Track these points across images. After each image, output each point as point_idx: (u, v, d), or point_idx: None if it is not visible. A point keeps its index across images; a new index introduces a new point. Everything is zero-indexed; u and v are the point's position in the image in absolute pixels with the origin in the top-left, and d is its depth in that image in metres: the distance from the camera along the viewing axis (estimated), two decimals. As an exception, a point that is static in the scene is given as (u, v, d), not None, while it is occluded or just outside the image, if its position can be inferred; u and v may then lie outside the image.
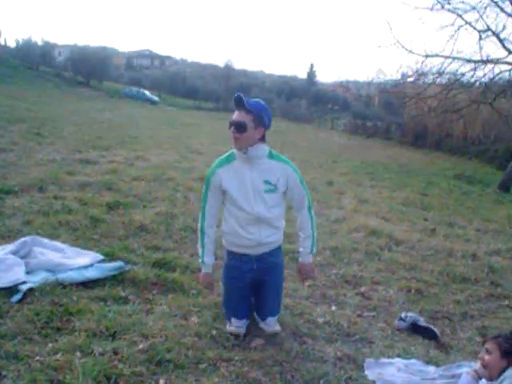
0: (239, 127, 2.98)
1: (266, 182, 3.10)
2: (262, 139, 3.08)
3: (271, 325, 3.30)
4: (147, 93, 47.30)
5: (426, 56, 15.56)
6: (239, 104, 2.98)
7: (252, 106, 2.98)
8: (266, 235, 3.17)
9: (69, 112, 20.17)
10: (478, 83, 15.97)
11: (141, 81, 53.11)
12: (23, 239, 3.98)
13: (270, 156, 3.15)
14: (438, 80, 16.41)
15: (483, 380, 2.71)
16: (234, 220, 3.16)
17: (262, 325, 3.34)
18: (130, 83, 52.02)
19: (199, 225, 3.27)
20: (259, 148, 3.06)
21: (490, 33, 14.40)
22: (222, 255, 3.43)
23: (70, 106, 24.05)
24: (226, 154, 3.19)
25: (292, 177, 3.18)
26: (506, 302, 4.54)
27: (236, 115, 3.01)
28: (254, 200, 3.09)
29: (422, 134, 29.56)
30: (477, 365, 2.80)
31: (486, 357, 2.67)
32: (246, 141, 3.01)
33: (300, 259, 3.39)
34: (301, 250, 3.37)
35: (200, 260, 3.33)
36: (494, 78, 15.55)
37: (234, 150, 3.11)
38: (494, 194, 13.40)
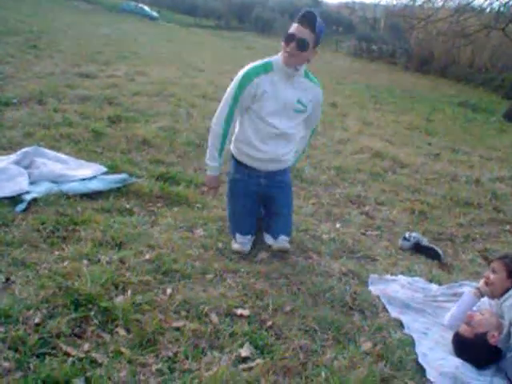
0: (302, 45, 2.81)
1: (299, 102, 3.02)
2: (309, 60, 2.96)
3: (283, 242, 3.20)
4: (146, 8, 45.50)
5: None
6: (310, 22, 2.79)
7: (319, 28, 2.82)
8: (281, 152, 3.10)
9: (65, 25, 19.41)
10: (490, 8, 15.38)
11: (139, -6, 51.01)
12: (25, 149, 3.90)
13: (306, 75, 3.05)
14: (448, 4, 15.79)
15: (485, 298, 2.74)
16: (252, 131, 3.04)
17: (271, 242, 3.24)
18: (128, -3, 49.97)
19: (221, 129, 3.03)
20: (301, 69, 2.98)
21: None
22: (227, 169, 3.34)
23: (66, 20, 23.11)
24: (262, 62, 2.98)
25: (318, 100, 3.15)
26: (508, 227, 4.57)
27: (298, 31, 2.80)
28: (285, 117, 3.01)
29: (428, 59, 28.79)
30: (480, 283, 2.82)
31: (492, 275, 2.68)
32: (301, 60, 2.89)
33: None
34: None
35: (208, 162, 3.18)
36: (508, 2, 14.93)
37: (273, 61, 2.95)
38: (498, 122, 13.20)
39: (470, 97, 18.27)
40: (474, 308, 2.74)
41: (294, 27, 2.82)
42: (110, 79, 8.60)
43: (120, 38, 18.60)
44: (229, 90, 3.01)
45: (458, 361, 2.39)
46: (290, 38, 2.81)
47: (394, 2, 18.58)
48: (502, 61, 24.21)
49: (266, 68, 2.95)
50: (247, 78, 2.93)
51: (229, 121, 3.03)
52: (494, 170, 6.66)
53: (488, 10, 15.72)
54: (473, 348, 2.44)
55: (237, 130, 3.15)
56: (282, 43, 2.86)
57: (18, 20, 17.18)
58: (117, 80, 8.59)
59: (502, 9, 14.86)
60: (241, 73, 2.97)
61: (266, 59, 2.99)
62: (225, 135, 3.07)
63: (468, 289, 3.03)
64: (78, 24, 21.62)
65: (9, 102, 5.82)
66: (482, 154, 7.86)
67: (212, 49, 21.57)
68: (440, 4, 15.86)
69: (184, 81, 9.94)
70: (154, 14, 45.38)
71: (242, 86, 2.95)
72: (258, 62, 2.99)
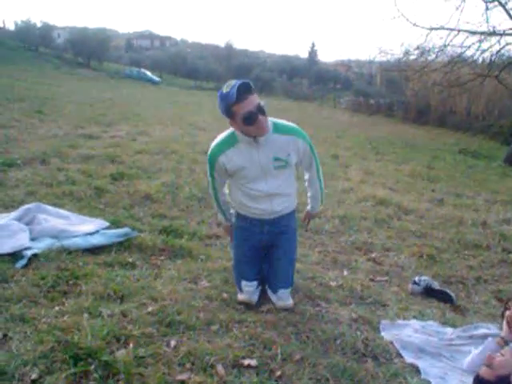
0: (263, 110, 2.68)
1: (276, 159, 2.86)
2: None
3: (283, 298, 3.08)
4: (148, 73, 46.92)
5: (431, 29, 15.23)
6: (249, 90, 2.64)
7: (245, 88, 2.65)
8: (277, 204, 3.00)
9: (69, 91, 19.96)
10: (482, 57, 15.75)
11: (141, 62, 52.67)
12: (27, 206, 3.90)
13: (276, 129, 2.85)
14: (442, 57, 16.15)
15: (510, 345, 2.62)
16: (242, 194, 3.00)
17: (273, 298, 3.12)
18: (131, 64, 51.64)
19: (213, 197, 3.17)
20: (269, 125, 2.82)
21: (496, 3, 14.08)
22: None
23: (71, 86, 23.82)
24: (226, 135, 2.88)
25: (303, 147, 2.95)
26: (520, 268, 4.45)
27: (251, 102, 2.63)
28: (265, 180, 2.89)
29: (425, 110, 29.26)
30: (502, 330, 2.71)
31: None
32: (266, 122, 2.76)
33: (308, 208, 3.37)
34: (309, 206, 3.35)
35: (220, 218, 3.29)
36: (499, 50, 15.28)
37: (235, 132, 2.81)
38: (499, 167, 13.25)
39: (470, 144, 18.43)
40: None
41: (242, 107, 2.63)
42: (113, 139, 8.74)
43: (123, 101, 19.03)
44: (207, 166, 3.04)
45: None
46: (254, 115, 2.65)
47: (389, 57, 18.97)
48: (497, 107, 24.61)
49: (231, 141, 2.86)
50: (213, 159, 2.92)
51: (215, 190, 3.11)
52: (500, 212, 6.60)
53: (481, 60, 16.06)
54: None
55: (230, 192, 3.14)
56: (245, 127, 2.70)
57: (24, 87, 17.68)
58: (120, 140, 8.73)
59: (493, 57, 15.17)
60: (208, 152, 2.95)
61: (229, 131, 2.88)
62: (217, 200, 3.17)
63: (485, 331, 2.93)
64: (81, 90, 22.21)
65: (13, 163, 5.89)
66: (486, 197, 7.81)
67: (213, 109, 21.82)
68: (433, 56, 16.19)
69: (185, 139, 10.07)
70: (156, 78, 46.74)
71: (211, 165, 2.97)
72: (223, 136, 2.90)
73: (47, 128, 9.18)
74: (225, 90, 2.64)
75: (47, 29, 51.05)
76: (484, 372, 2.37)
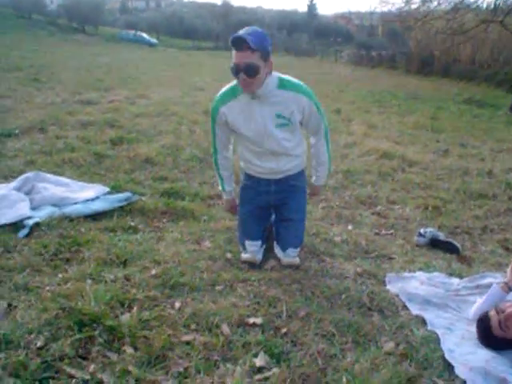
0: (251, 71, 2.56)
1: (279, 116, 2.77)
2: (269, 72, 2.71)
3: (291, 255, 3.04)
4: (145, 35, 46.20)
5: (432, -26, 14.83)
6: (243, 43, 2.51)
7: (256, 43, 2.52)
8: (284, 164, 2.95)
9: (65, 58, 19.65)
10: (486, 2, 15.34)
11: (137, 24, 51.62)
12: (26, 175, 3.86)
13: (282, 85, 2.74)
14: (444, 4, 15.72)
15: None
16: (248, 152, 2.96)
17: (280, 255, 3.08)
18: (126, 27, 50.67)
19: (213, 158, 3.14)
20: (269, 83, 2.69)
21: None
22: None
23: (67, 53, 23.46)
24: (229, 87, 2.82)
25: (308, 105, 2.80)
26: (526, 216, 4.41)
27: (239, 57, 2.56)
28: (266, 136, 2.81)
29: (429, 60, 28.62)
30: (508, 276, 2.68)
31: None
32: (259, 82, 2.63)
33: (313, 181, 3.26)
34: (313, 178, 3.24)
35: (220, 188, 3.25)
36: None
37: (239, 84, 2.71)
38: (505, 116, 13.03)
39: (475, 93, 18.09)
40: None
41: (234, 56, 2.59)
42: (112, 104, 8.62)
43: (120, 65, 18.75)
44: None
45: (488, 354, 2.24)
46: (236, 70, 2.59)
47: (390, 7, 18.51)
48: (503, 55, 24.02)
49: (234, 92, 2.79)
50: (214, 110, 2.87)
51: (215, 149, 3.08)
52: (505, 161, 6.52)
53: (485, 5, 15.65)
54: (496, 344, 2.30)
55: (238, 151, 3.09)
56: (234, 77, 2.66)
57: (19, 56, 17.45)
58: (118, 104, 8.60)
59: (498, 2, 14.75)
60: (211, 104, 2.91)
61: (231, 83, 2.81)
62: (216, 163, 3.13)
63: (491, 280, 2.90)
64: (78, 56, 21.88)
65: (11, 133, 5.82)
66: (491, 146, 7.71)
67: (212, 69, 21.64)
68: (435, 4, 15.77)
69: (185, 100, 9.94)
70: (153, 40, 46.01)
71: (213, 118, 2.92)
72: (226, 88, 2.85)
73: (44, 96, 9.05)
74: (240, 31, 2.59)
75: (39, -6, 50.01)
76: (494, 326, 2.32)
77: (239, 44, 2.54)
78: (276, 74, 2.76)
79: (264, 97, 2.73)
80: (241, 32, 2.57)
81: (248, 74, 2.58)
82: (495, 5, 15.07)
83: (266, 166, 2.95)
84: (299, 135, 2.98)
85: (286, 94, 2.75)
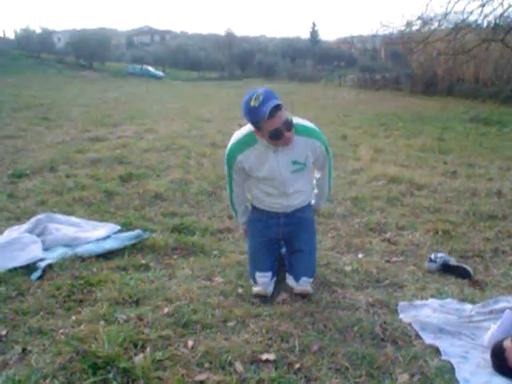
0: (290, 124, 2.72)
1: (295, 163, 2.90)
2: None
3: (304, 285, 3.06)
4: (151, 69, 46.95)
5: (431, -3, 15.02)
6: (279, 107, 2.64)
7: (274, 101, 2.63)
8: (293, 199, 3.06)
9: (74, 95, 20.02)
10: (486, 22, 15.50)
11: (143, 58, 52.59)
12: (37, 217, 3.91)
13: (295, 131, 2.81)
14: (444, 24, 15.92)
15: None
16: (260, 191, 3.05)
17: (293, 284, 3.09)
18: (133, 61, 51.62)
19: (228, 197, 3.22)
20: None
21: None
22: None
23: (75, 90, 23.89)
24: (245, 134, 2.88)
25: (319, 148, 2.97)
26: (537, 236, 4.38)
27: (277, 121, 2.64)
28: (282, 181, 2.93)
29: (432, 81, 28.81)
30: None
31: None
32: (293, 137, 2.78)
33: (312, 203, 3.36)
34: (312, 201, 3.34)
35: (236, 220, 3.43)
36: (503, 13, 15.00)
37: (255, 132, 2.80)
38: (512, 132, 13.04)
39: (480, 111, 18.10)
40: None
41: (269, 124, 2.64)
42: (120, 140, 8.74)
43: (128, 99, 19.04)
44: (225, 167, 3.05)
45: (503, 382, 2.23)
46: (280, 132, 2.68)
47: (391, 31, 18.73)
48: (505, 72, 24.16)
49: (250, 142, 2.86)
50: (231, 158, 2.92)
51: (231, 190, 3.15)
52: (514, 179, 6.50)
53: (485, 25, 15.82)
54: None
55: (248, 190, 3.19)
56: (270, 140, 2.74)
57: (29, 95, 17.78)
58: (126, 140, 8.72)
59: (497, 21, 14.90)
60: (227, 150, 2.96)
61: (248, 129, 2.87)
62: (232, 200, 3.22)
63: (505, 304, 2.89)
64: (86, 92, 22.28)
65: (22, 174, 5.92)
66: (499, 165, 7.68)
67: (218, 99, 21.91)
68: (436, 25, 15.96)
69: (192, 133, 10.04)
70: (159, 73, 46.77)
71: (230, 164, 2.97)
72: (241, 135, 2.90)
73: (54, 134, 9.22)
74: (252, 103, 2.63)
75: (47, 34, 51.26)
76: (509, 351, 2.31)
77: (278, 107, 2.64)
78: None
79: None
80: (266, 98, 2.62)
81: (289, 128, 2.71)
82: (495, 24, 15.22)
83: (277, 202, 3.04)
84: (309, 175, 3.10)
85: (299, 140, 2.84)
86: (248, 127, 2.87)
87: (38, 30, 51.23)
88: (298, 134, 2.82)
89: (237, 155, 2.89)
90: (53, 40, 51.97)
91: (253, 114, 2.65)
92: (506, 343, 2.35)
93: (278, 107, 2.63)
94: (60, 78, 34.15)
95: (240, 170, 2.97)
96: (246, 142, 2.88)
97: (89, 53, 46.68)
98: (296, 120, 2.86)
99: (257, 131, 2.76)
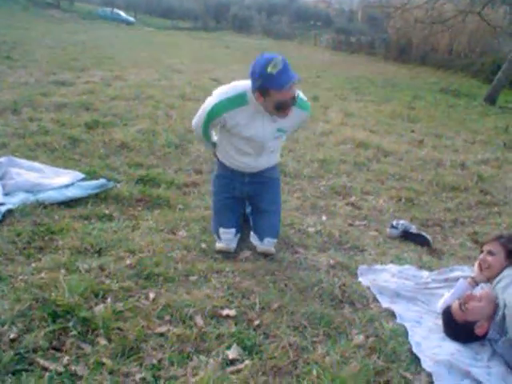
0: (295, 101, 2.70)
1: (279, 130, 2.90)
2: None
3: (268, 244, 3.08)
4: (122, 13, 45.27)
5: (413, -37, 14.88)
6: (295, 83, 2.62)
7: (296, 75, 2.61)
8: (262, 160, 3.04)
9: (40, 35, 19.14)
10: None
11: (114, 1, 50.54)
12: (-2, 160, 3.79)
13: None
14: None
15: (480, 285, 2.67)
16: (233, 149, 2.98)
17: (256, 243, 3.12)
18: (103, 3, 49.53)
19: (202, 136, 3.09)
20: None
21: None
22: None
23: (41, 29, 22.85)
24: (236, 94, 2.76)
25: (306, 120, 3.10)
26: (496, 209, 4.54)
27: (288, 93, 2.61)
28: (261, 145, 2.92)
29: (407, 48, 28.83)
30: (474, 271, 2.77)
31: (489, 258, 2.64)
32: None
33: None
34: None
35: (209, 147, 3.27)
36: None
37: (248, 94, 2.72)
38: (480, 106, 13.24)
39: (451, 83, 18.30)
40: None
41: (283, 94, 2.60)
42: (87, 85, 8.44)
43: (96, 43, 18.37)
44: (200, 111, 2.92)
45: (453, 347, 2.33)
46: (287, 105, 2.67)
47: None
48: (479, 45, 24.40)
49: (241, 102, 2.77)
50: (217, 112, 2.80)
51: (207, 135, 3.07)
52: (478, 152, 6.65)
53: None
54: (458, 332, 2.39)
55: (217, 141, 3.11)
56: (272, 110, 2.70)
57: (-10, 31, 16.94)
58: (93, 86, 8.43)
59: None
60: (211, 103, 2.81)
61: (240, 89, 2.77)
62: (207, 135, 3.10)
63: (459, 273, 2.99)
64: (53, 33, 21.35)
65: (-18, 114, 5.68)
66: (465, 138, 7.85)
67: (190, 50, 21.39)
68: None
69: (162, 83, 9.80)
70: (131, 18, 45.17)
71: (210, 117, 2.86)
72: (231, 93, 2.78)
73: (17, 75, 8.81)
74: (270, 69, 2.53)
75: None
76: (455, 310, 2.43)
77: (293, 83, 2.61)
78: None
79: None
80: (286, 69, 2.57)
81: (294, 103, 2.71)
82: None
83: (245, 161, 3.01)
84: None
85: (294, 111, 2.79)
86: (242, 87, 2.77)
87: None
88: (296, 106, 2.80)
89: (223, 113, 2.78)
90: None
91: (267, 80, 2.56)
92: (454, 303, 2.46)
93: (296, 80, 2.60)
94: (25, 16, 32.54)
95: (218, 124, 2.91)
96: (236, 102, 2.77)
97: (56, -10, 44.62)
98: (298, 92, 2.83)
99: (259, 96, 2.66)
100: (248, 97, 2.75)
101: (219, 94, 2.82)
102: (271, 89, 2.59)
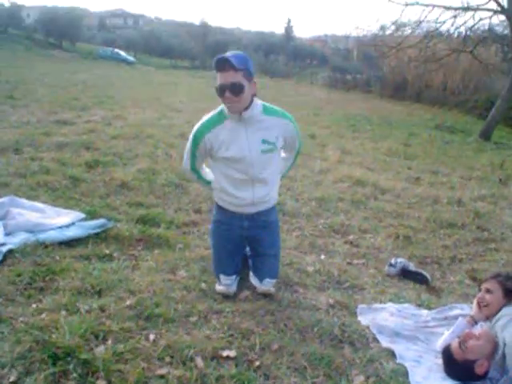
0: (236, 89, 2.66)
1: (265, 142, 2.85)
2: (254, 94, 2.81)
3: (267, 285, 3.08)
4: (122, 53, 46.12)
5: (406, 4, 15.27)
6: (227, 64, 2.63)
7: (239, 62, 2.64)
8: (260, 196, 2.98)
9: (42, 74, 19.50)
10: (457, 32, 15.91)
11: (115, 41, 51.59)
12: (0, 200, 3.83)
13: (266, 111, 2.86)
14: (417, 31, 16.26)
15: (479, 324, 2.69)
16: (224, 178, 2.96)
17: (256, 284, 3.13)
18: (104, 44, 50.54)
19: (194, 175, 3.12)
20: (254, 107, 2.79)
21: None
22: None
23: (43, 69, 23.28)
24: (216, 112, 2.87)
25: (291, 131, 2.99)
26: (493, 246, 4.55)
27: (224, 77, 2.66)
28: (251, 162, 2.86)
29: (402, 85, 29.38)
30: (472, 310, 2.79)
31: (487, 296, 2.66)
32: (244, 102, 2.73)
33: None
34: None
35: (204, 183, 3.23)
36: (474, 25, 15.38)
37: (224, 109, 2.82)
38: (475, 142, 13.43)
39: (446, 119, 18.58)
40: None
41: (219, 77, 2.69)
42: (88, 124, 8.57)
43: (97, 83, 18.68)
44: (188, 144, 2.98)
45: (453, 387, 2.32)
46: (221, 89, 2.69)
47: (365, 33, 19.02)
48: (473, 82, 24.89)
49: (220, 118, 2.85)
50: (199, 136, 2.87)
51: (196, 169, 3.09)
52: (474, 189, 6.71)
53: (456, 35, 16.22)
54: (459, 371, 2.39)
55: (213, 177, 3.12)
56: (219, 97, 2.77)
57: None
58: (94, 125, 8.56)
59: (468, 33, 15.29)
60: (194, 129, 2.91)
61: (218, 108, 2.88)
62: (200, 176, 3.15)
63: (459, 312, 3.00)
64: (54, 72, 21.74)
65: (-16, 154, 5.75)
66: (461, 174, 7.93)
67: (189, 89, 21.74)
68: (409, 32, 16.28)
69: (162, 122, 9.94)
70: (131, 58, 46.01)
71: (195, 143, 2.92)
72: (212, 114, 2.89)
73: (19, 114, 8.97)
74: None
75: (16, 9, 49.55)
76: (455, 348, 2.43)
77: (223, 64, 2.65)
78: (259, 101, 2.86)
79: (250, 121, 2.81)
80: (227, 55, 2.66)
81: (233, 92, 2.67)
82: (466, 35, 15.62)
83: (241, 195, 2.95)
84: (278, 164, 3.08)
85: (271, 120, 2.87)
86: (220, 106, 2.87)
87: (7, 4, 49.69)
88: (269, 115, 2.87)
89: (205, 134, 2.84)
90: (22, 15, 50.34)
91: (214, 61, 2.68)
92: (453, 341, 2.47)
93: (230, 65, 2.63)
94: (28, 56, 33.21)
95: (205, 151, 2.91)
96: (214, 121, 2.86)
97: (59, 32, 45.51)
98: (266, 103, 2.91)
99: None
100: (225, 112, 2.83)
101: (200, 121, 2.92)
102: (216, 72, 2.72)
